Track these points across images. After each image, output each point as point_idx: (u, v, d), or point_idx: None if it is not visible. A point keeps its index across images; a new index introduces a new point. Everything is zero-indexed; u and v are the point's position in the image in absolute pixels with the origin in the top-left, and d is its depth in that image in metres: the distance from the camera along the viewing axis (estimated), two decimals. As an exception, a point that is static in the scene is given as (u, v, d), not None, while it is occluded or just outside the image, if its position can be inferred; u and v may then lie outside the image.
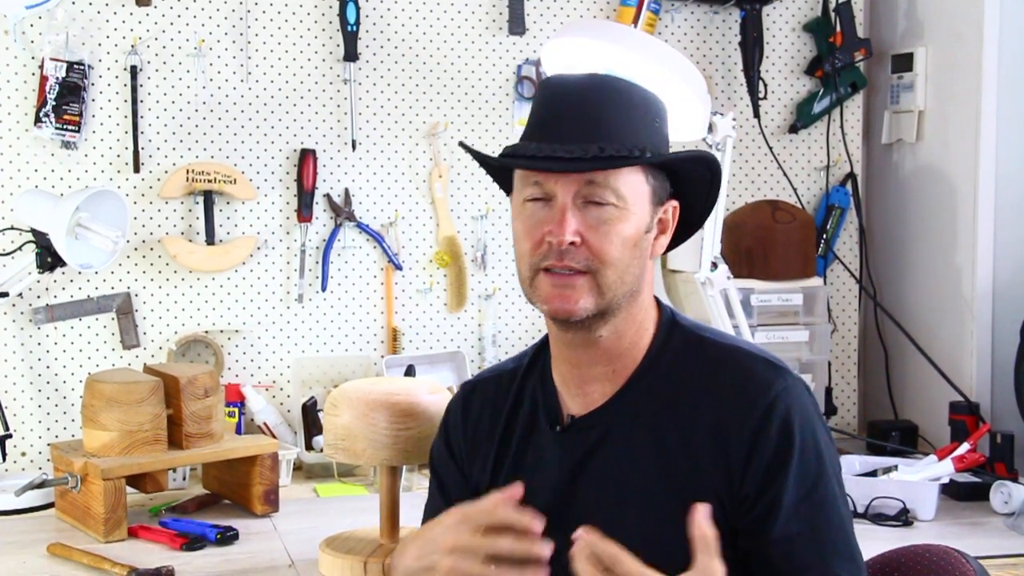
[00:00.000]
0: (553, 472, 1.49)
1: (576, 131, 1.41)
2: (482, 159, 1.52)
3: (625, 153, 1.40)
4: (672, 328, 1.50)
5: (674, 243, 1.53)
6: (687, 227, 1.53)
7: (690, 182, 1.49)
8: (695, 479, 1.41)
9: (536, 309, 1.48)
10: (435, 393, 1.97)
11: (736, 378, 1.43)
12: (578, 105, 1.43)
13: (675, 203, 1.49)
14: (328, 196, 2.75)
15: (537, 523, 1.30)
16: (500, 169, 1.53)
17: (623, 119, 1.43)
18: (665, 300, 2.97)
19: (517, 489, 1.34)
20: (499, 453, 1.55)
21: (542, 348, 1.57)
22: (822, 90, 3.04)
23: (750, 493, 1.39)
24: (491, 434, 1.56)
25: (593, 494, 1.47)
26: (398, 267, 2.80)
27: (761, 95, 2.96)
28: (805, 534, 1.38)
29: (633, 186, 1.42)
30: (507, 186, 1.54)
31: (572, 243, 1.39)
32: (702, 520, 1.26)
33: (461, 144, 1.56)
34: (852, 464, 2.47)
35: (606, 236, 1.40)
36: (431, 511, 1.64)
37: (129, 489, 2.21)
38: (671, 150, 1.50)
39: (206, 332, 2.69)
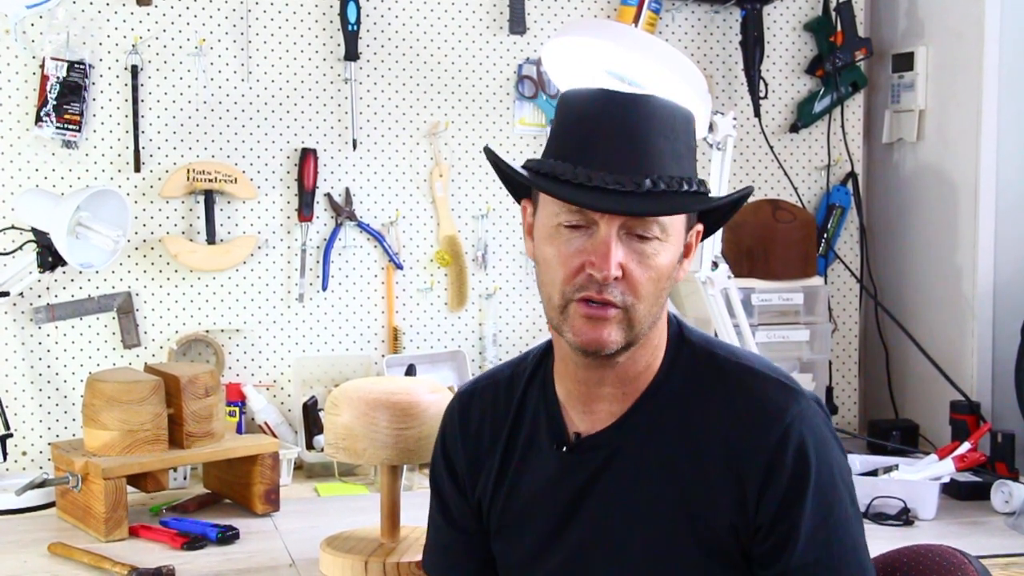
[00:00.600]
0: (557, 492, 1.46)
1: (624, 159, 1.33)
2: (510, 176, 1.44)
3: (676, 188, 1.34)
4: (680, 345, 1.46)
5: None
6: None
7: (718, 210, 1.45)
8: (706, 504, 1.38)
9: (549, 319, 1.42)
10: (436, 392, 1.97)
11: (750, 402, 1.39)
12: (621, 128, 1.35)
13: (700, 227, 1.45)
14: (329, 195, 2.75)
15: None
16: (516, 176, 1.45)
17: (668, 147, 1.36)
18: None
19: None
20: (501, 468, 1.51)
21: (544, 356, 1.53)
22: (823, 89, 3.04)
23: (765, 522, 1.37)
24: (492, 448, 1.52)
25: (599, 516, 1.44)
26: (399, 266, 2.80)
27: (762, 94, 2.96)
28: (821, 561, 1.37)
29: (675, 218, 1.38)
30: (517, 191, 1.49)
31: (616, 278, 1.34)
32: None
33: (488, 152, 1.46)
34: (853, 464, 2.47)
35: (647, 270, 1.36)
36: (435, 531, 1.62)
37: (130, 488, 2.21)
38: None
39: (207, 331, 2.69)
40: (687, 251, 1.44)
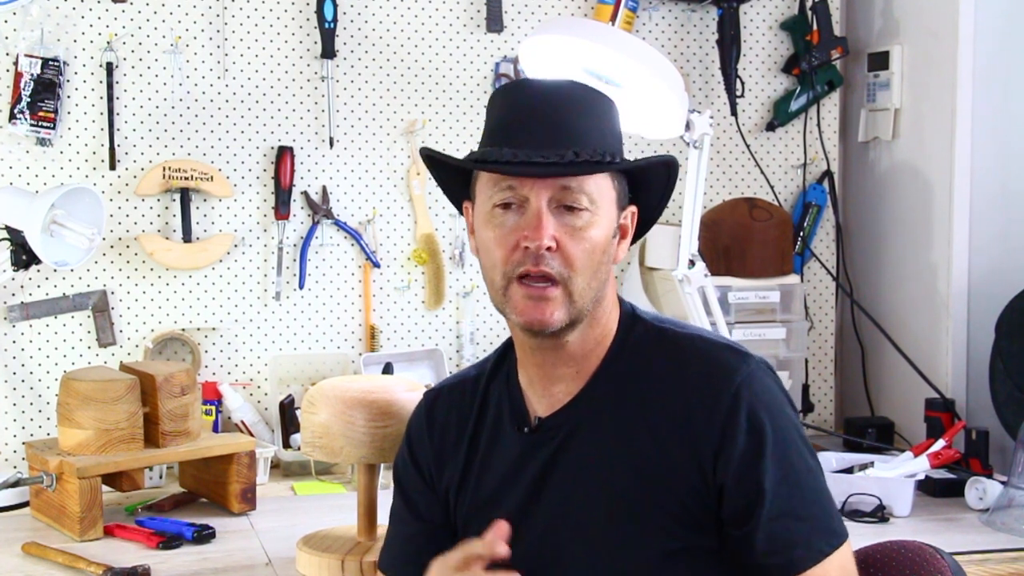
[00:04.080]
0: (522, 474, 1.50)
1: (548, 137, 1.41)
2: (445, 163, 1.51)
3: (597, 159, 1.42)
4: (632, 322, 1.52)
5: None
6: (636, 233, 1.55)
7: (647, 188, 1.51)
8: (665, 471, 1.42)
9: (494, 303, 1.48)
10: (413, 391, 1.97)
11: (700, 367, 1.44)
12: (546, 111, 1.43)
13: (634, 208, 1.51)
14: (305, 193, 2.75)
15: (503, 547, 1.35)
16: (453, 179, 1.53)
17: (590, 125, 1.44)
18: (643, 298, 2.97)
19: (502, 529, 1.37)
20: (468, 458, 1.55)
21: (506, 352, 1.58)
22: (799, 88, 3.05)
23: (727, 482, 1.40)
24: (459, 440, 1.56)
25: (563, 493, 1.47)
26: (376, 264, 2.80)
27: (738, 93, 2.97)
28: (788, 514, 1.40)
29: (602, 191, 1.44)
30: (458, 196, 1.54)
31: (548, 248, 1.40)
32: None
33: (424, 151, 1.54)
34: (829, 461, 2.48)
35: (580, 242, 1.42)
36: (398, 525, 1.63)
37: (105, 488, 2.20)
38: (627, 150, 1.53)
39: (183, 330, 2.68)
40: (623, 232, 1.50)
